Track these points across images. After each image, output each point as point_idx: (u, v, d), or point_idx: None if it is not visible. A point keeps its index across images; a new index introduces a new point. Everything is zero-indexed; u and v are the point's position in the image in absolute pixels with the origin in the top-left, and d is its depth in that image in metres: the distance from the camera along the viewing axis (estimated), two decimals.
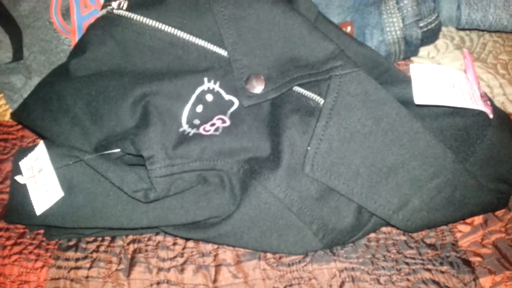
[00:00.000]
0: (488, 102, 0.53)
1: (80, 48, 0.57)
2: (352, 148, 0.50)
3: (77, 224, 0.52)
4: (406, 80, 0.55)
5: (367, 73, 0.52)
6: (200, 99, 0.54)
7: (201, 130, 0.54)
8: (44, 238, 0.57)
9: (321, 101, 0.53)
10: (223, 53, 0.55)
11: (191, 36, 0.55)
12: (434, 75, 0.52)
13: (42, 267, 0.55)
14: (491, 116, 0.51)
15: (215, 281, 0.53)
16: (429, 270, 0.52)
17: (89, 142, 0.54)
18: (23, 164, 0.55)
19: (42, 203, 0.52)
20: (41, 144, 0.54)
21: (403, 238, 0.55)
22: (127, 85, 0.53)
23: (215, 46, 0.55)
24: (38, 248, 0.56)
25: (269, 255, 0.54)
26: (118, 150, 0.51)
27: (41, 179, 0.52)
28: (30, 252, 0.56)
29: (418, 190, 0.50)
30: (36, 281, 0.54)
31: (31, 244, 0.57)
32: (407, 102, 0.52)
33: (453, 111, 0.52)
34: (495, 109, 0.53)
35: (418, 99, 0.49)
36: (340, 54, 0.53)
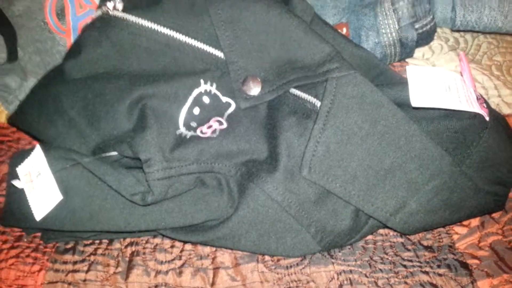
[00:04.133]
0: (484, 105, 0.53)
1: (75, 50, 0.56)
2: (349, 150, 0.50)
3: (75, 227, 0.52)
4: (402, 82, 0.55)
5: (363, 75, 0.52)
6: (197, 101, 0.54)
7: (198, 133, 0.53)
8: (41, 241, 0.57)
9: (318, 103, 0.53)
10: (220, 54, 0.55)
11: (187, 38, 0.55)
12: (431, 77, 0.52)
13: (40, 270, 0.54)
14: (487, 118, 0.51)
15: (213, 284, 0.53)
16: (426, 272, 0.52)
17: (86, 145, 0.53)
18: (20, 169, 0.54)
19: (41, 208, 0.51)
20: (38, 148, 0.53)
21: (400, 240, 0.55)
22: (123, 88, 0.53)
23: (211, 48, 0.55)
24: (35, 251, 0.56)
25: (267, 257, 0.54)
26: (116, 153, 0.51)
27: (39, 184, 0.52)
28: (27, 256, 0.56)
29: (415, 192, 0.50)
30: (34, 285, 0.54)
31: (28, 247, 0.56)
32: (403, 105, 0.53)
33: (449, 113, 0.52)
34: (491, 111, 0.53)
35: (415, 102, 0.50)
36: (336, 56, 0.53)
